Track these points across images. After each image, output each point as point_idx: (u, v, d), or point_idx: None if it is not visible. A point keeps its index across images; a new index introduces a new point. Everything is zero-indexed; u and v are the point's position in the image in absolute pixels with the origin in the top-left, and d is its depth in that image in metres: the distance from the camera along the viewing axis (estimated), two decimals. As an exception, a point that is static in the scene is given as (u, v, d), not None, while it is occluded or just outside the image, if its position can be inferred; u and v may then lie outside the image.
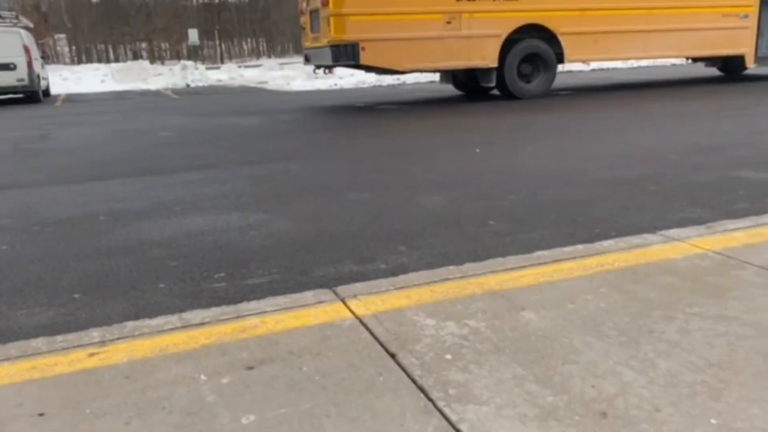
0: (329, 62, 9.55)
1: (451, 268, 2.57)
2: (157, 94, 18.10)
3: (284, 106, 12.19)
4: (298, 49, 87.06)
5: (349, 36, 9.05)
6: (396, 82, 17.52)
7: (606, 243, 2.80)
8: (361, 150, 6.24)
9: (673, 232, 2.91)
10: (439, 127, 7.90)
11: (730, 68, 13.04)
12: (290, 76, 21.23)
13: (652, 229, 3.03)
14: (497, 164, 5.17)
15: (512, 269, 2.51)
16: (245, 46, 78.02)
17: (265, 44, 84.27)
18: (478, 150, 5.85)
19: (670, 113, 8.17)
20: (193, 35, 33.25)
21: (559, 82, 11.86)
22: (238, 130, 8.36)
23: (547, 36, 10.10)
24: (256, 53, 73.70)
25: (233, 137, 7.69)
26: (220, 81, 21.88)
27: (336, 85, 17.78)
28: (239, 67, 27.67)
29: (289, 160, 5.74)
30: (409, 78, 17.59)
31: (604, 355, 1.77)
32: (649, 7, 10.52)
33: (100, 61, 45.63)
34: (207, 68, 25.29)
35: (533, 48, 10.06)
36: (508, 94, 10.31)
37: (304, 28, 10.76)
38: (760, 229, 2.88)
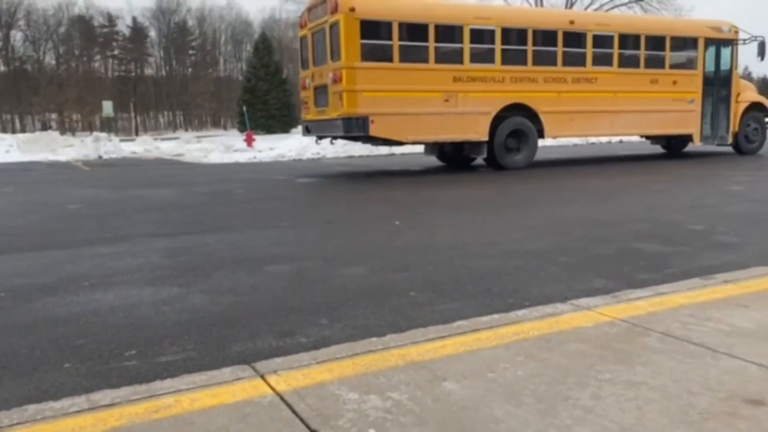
0: (340, 133, 10.37)
1: (374, 339, 2.57)
2: (67, 165, 17.47)
3: (201, 178, 12.05)
4: (216, 123, 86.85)
5: (361, 110, 9.98)
6: (316, 156, 17.74)
7: (520, 312, 2.89)
8: (280, 221, 6.22)
9: (582, 301, 3.04)
10: (363, 199, 8.03)
11: (673, 146, 14.99)
12: (207, 148, 21.09)
13: (563, 298, 3.16)
14: (419, 236, 5.28)
15: (433, 339, 2.54)
16: (162, 119, 77.39)
17: (182, 117, 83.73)
18: (398, 222, 5.96)
19: (591, 188, 8.67)
20: (108, 107, 32.63)
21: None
22: (153, 203, 8.16)
23: (530, 114, 11.37)
24: (173, 126, 73.14)
25: (147, 209, 7.49)
26: (134, 153, 21.43)
27: (255, 158, 17.81)
28: (155, 139, 27.25)
29: (206, 233, 5.63)
30: (330, 152, 17.88)
31: (524, 423, 1.81)
32: (614, 91, 12.08)
33: (5, 131, 43.78)
34: (121, 140, 24.75)
35: (518, 124, 11.28)
36: (496, 165, 11.36)
37: (305, 103, 11.63)
38: (660, 297, 3.06)
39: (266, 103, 51.44)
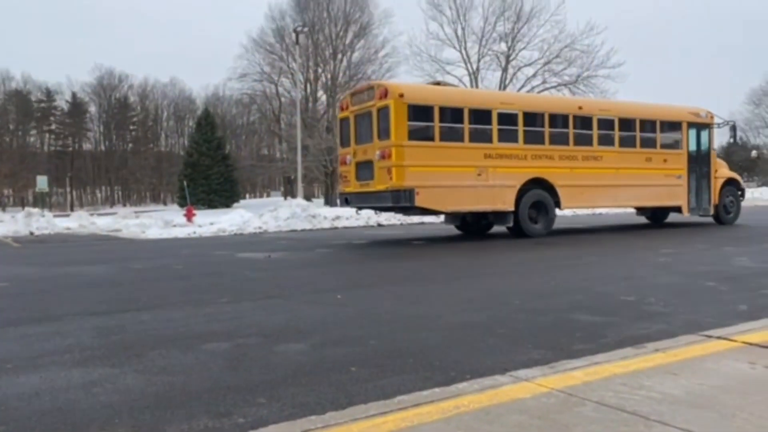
0: (388, 204, 11.59)
1: (313, 418, 2.52)
2: (-7, 241, 16.73)
3: (138, 254, 11.74)
4: (155, 198, 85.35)
5: (408, 183, 11.12)
6: (258, 231, 17.61)
7: (461, 385, 2.90)
8: (219, 297, 6.10)
9: (521, 372, 3.09)
10: (307, 273, 7.97)
11: (657, 217, 16.48)
12: (146, 224, 20.67)
13: (502, 370, 3.20)
14: (361, 310, 5.26)
15: (374, 416, 2.51)
16: (99, 195, 75.83)
17: (120, 192, 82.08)
18: (339, 296, 5.94)
19: (535, 259, 8.88)
20: (42, 182, 31.78)
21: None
22: (85, 280, 7.88)
23: (548, 187, 12.71)
24: (111, 201, 71.72)
25: (79, 287, 7.22)
26: (69, 229, 20.75)
27: (195, 233, 17.53)
28: (91, 214, 26.53)
29: (141, 310, 5.46)
30: (271, 227, 17.79)
31: (464, 498, 1.79)
32: (616, 168, 13.68)
33: (-72, 205, 41.86)
34: (55, 215, 23.98)
35: (539, 196, 12.56)
36: (520, 234, 12.47)
37: (345, 177, 12.81)
38: (595, 367, 3.14)
39: (208, 178, 51.17)
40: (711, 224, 15.52)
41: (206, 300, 6.06)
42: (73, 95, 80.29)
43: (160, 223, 20.73)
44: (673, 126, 14.78)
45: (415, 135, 11.35)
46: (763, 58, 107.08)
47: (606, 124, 13.61)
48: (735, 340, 3.57)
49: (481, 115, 12.07)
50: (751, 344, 3.48)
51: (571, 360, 3.32)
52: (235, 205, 45.35)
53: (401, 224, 19.79)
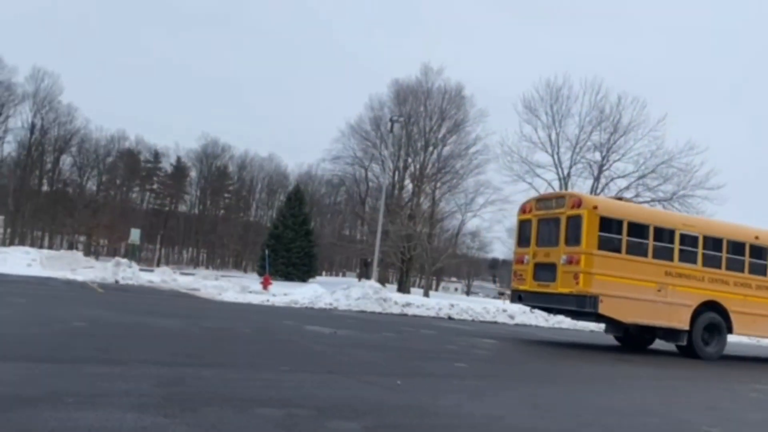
0: (571, 308, 11.97)
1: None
2: (82, 285, 17.61)
3: (211, 313, 11.98)
4: (237, 264, 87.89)
5: (593, 290, 11.39)
6: (328, 307, 17.67)
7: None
8: (281, 365, 6.05)
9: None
10: (373, 353, 7.83)
11: None
12: (223, 286, 21.20)
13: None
14: (419, 398, 5.06)
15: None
16: (185, 254, 78.58)
17: (205, 255, 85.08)
18: (399, 382, 5.76)
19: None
20: (135, 234, 33.51)
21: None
22: (156, 331, 8.07)
23: (722, 311, 12.58)
24: (195, 262, 74.14)
25: (149, 336, 7.39)
26: (151, 282, 21.60)
27: (268, 301, 17.79)
28: (174, 272, 27.57)
29: (203, 366, 5.49)
30: (342, 305, 17.82)
31: None
32: None
33: (33, 246, 44.87)
34: (141, 269, 25.08)
35: (712, 319, 12.46)
36: (691, 354, 12.28)
37: (520, 275, 13.12)
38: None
39: (289, 251, 52.39)
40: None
41: (267, 366, 6.04)
42: (178, 159, 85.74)
43: (237, 287, 21.20)
44: None
45: (603, 245, 11.75)
46: None
47: None
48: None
49: (664, 234, 12.45)
50: None
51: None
52: (311, 280, 45.97)
53: (472, 320, 19.33)
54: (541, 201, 13.34)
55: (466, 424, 4.28)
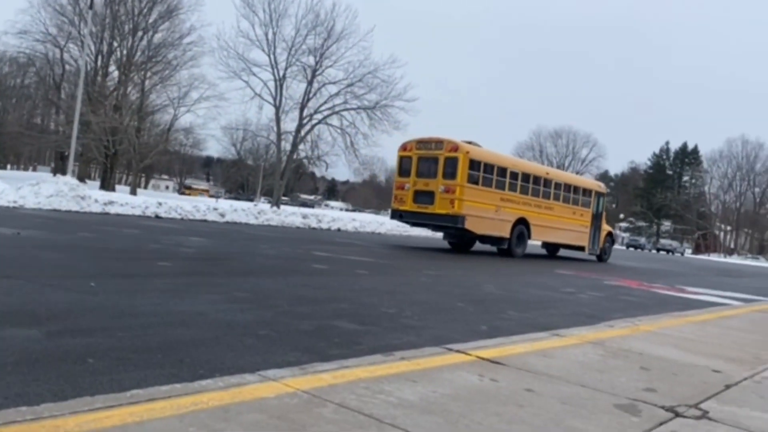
0: (444, 224, 16.42)
1: (23, 409, 2.23)
2: None
3: None
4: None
5: (463, 212, 15.86)
6: (12, 205, 15.56)
7: (204, 382, 2.78)
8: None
9: (270, 372, 3.05)
10: (67, 255, 7.15)
11: (551, 251, 22.50)
12: None
13: (253, 370, 3.13)
14: (116, 300, 4.84)
15: (99, 409, 2.29)
16: None
17: None
18: (93, 284, 5.42)
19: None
20: None
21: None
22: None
23: (526, 224, 18.05)
24: None
25: None
26: None
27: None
28: None
29: None
30: (30, 203, 15.87)
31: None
32: (558, 216, 19.60)
33: None
34: None
35: (521, 230, 17.86)
36: (509, 254, 17.55)
37: (401, 198, 16.96)
38: (343, 371, 3.21)
39: None
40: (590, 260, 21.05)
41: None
42: None
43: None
44: (589, 193, 21.50)
45: (470, 180, 16.10)
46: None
47: (556, 185, 19.62)
48: (470, 354, 3.91)
49: (501, 172, 17.28)
50: (483, 359, 3.83)
51: (323, 363, 3.36)
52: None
53: (182, 219, 18.90)
54: (422, 143, 17.07)
55: (164, 322, 4.25)
